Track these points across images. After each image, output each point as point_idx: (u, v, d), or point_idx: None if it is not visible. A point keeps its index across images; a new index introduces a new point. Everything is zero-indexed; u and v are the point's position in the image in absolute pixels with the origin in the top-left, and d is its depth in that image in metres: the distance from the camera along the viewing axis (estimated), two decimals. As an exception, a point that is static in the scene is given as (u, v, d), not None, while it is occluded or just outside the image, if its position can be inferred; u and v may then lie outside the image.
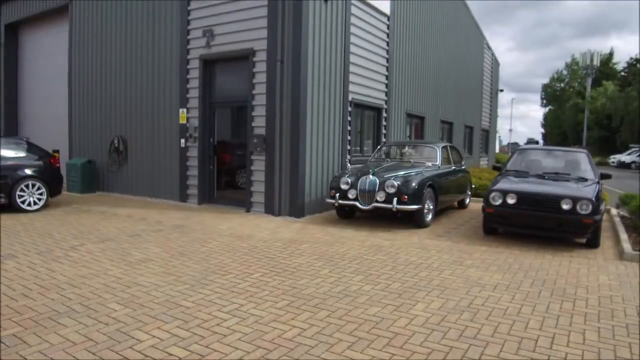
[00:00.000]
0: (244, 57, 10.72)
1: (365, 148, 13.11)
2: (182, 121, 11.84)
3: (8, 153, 10.10)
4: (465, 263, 6.60)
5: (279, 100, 10.09)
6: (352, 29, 11.69)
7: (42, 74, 17.36)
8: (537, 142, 74.37)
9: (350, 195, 9.18)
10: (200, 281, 5.50)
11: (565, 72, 72.45)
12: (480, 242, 7.97)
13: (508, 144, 71.37)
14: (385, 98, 13.74)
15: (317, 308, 4.72)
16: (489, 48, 27.49)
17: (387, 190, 8.79)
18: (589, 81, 47.80)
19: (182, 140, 11.86)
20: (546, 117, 79.81)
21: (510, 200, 7.79)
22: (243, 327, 4.19)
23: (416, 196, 8.76)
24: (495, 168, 10.49)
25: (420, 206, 8.82)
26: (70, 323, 4.17)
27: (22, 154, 10.26)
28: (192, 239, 7.65)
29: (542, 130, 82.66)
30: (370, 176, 9.05)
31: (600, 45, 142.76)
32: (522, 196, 7.74)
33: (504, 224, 8.18)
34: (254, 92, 10.55)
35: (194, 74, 11.63)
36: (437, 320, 4.45)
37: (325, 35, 10.52)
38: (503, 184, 8.24)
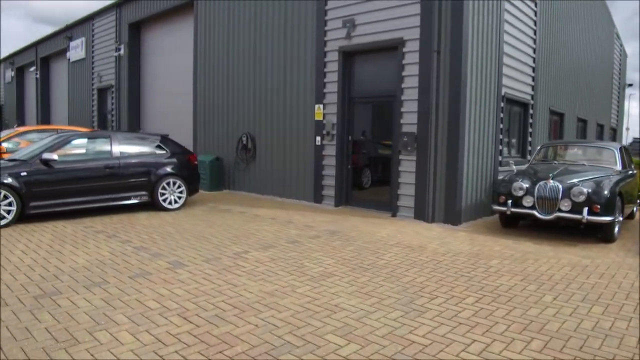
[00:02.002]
0: (391, 48, 9.82)
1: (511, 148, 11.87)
2: (318, 118, 11.12)
3: (149, 150, 9.76)
4: None
5: (435, 95, 9.10)
6: (506, 16, 10.48)
7: (162, 71, 17.36)
8: None
9: (525, 203, 8.04)
10: (408, 306, 4.64)
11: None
12: None
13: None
14: (532, 93, 12.40)
15: (588, 354, 3.70)
16: (618, 37, 25.10)
17: (575, 199, 7.57)
18: None
19: (318, 138, 11.13)
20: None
21: None
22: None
23: (609, 206, 7.50)
24: None
25: (613, 218, 7.55)
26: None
27: (162, 150, 9.89)
28: (359, 249, 6.84)
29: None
30: (551, 181, 7.85)
31: None
32: None
33: None
34: (403, 85, 9.62)
35: (332, 67, 10.86)
36: None
37: (481, 22, 9.42)
38: None
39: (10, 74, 31.31)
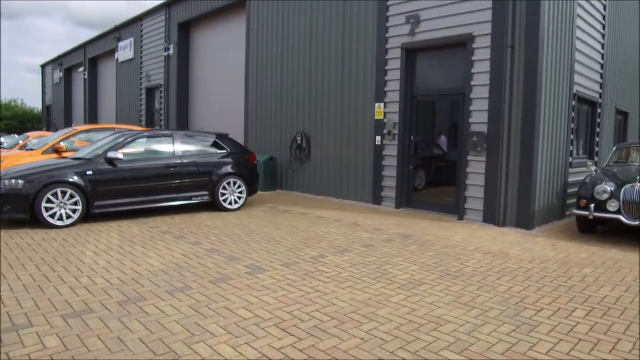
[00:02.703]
0: (459, 44, 9.41)
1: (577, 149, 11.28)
2: (378, 116, 10.77)
3: (210, 149, 9.58)
4: None
5: (508, 93, 8.65)
6: (578, 10, 9.93)
7: (211, 70, 17.28)
8: None
9: (610, 207, 7.53)
10: (516, 319, 4.29)
11: None
12: None
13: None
14: (600, 91, 11.78)
15: None
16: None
17: (669, 203, 7.03)
18: None
19: (378, 138, 10.79)
20: None
21: None
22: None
23: None
24: None
25: None
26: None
27: (222, 150, 9.70)
28: (439, 254, 6.48)
29: None
30: (638, 184, 7.32)
31: None
32: None
33: None
34: (472, 83, 9.19)
35: (394, 64, 10.50)
36: None
37: (555, 15, 8.91)
38: None
39: (58, 74, 31.90)
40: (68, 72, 31.41)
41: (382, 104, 10.70)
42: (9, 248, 6.38)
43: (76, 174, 7.93)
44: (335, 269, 5.63)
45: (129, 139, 8.71)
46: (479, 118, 9.11)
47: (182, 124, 18.42)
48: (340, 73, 11.58)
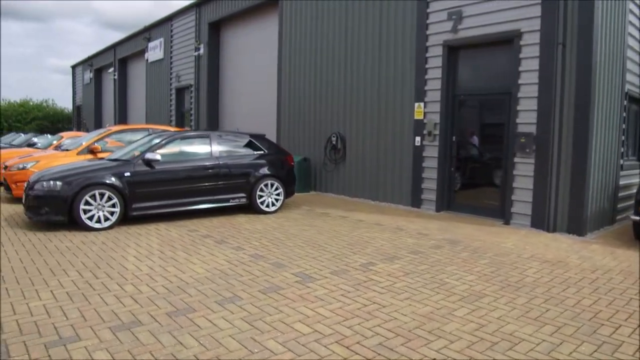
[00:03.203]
0: (505, 41, 9.02)
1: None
2: (418, 117, 10.42)
3: (247, 150, 9.38)
4: None
5: (559, 92, 8.24)
6: (630, 5, 9.45)
7: (242, 70, 17.12)
8: None
9: (673, 213, 7.07)
10: (595, 337, 3.96)
11: None
12: None
13: None
14: (650, 89, 11.21)
15: None
16: None
17: None
18: None
19: (417, 138, 10.44)
20: None
21: None
22: None
23: None
24: None
25: None
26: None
27: (260, 151, 9.47)
28: (494, 263, 6.15)
29: None
30: None
31: None
32: None
33: None
34: (519, 81, 8.80)
35: (435, 62, 10.15)
36: None
37: (608, 10, 8.45)
38: None
39: (88, 75, 32.17)
40: (98, 73, 31.65)
41: (422, 104, 10.36)
42: (49, 252, 6.22)
43: (114, 175, 7.78)
44: (388, 279, 5.34)
45: (166, 140, 8.53)
46: (527, 118, 8.72)
47: (212, 124, 18.30)
48: (377, 72, 11.27)
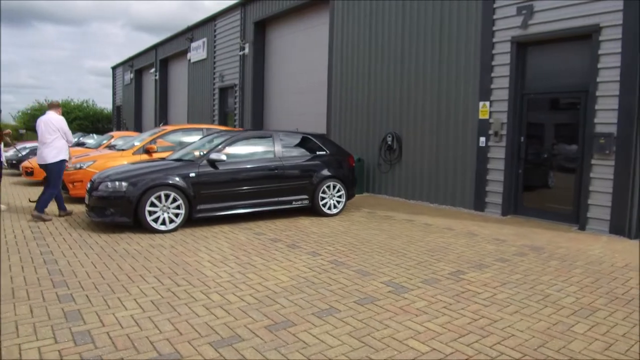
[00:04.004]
0: (582, 37, 8.54)
1: None
2: (483, 116, 9.98)
3: (309, 150, 9.11)
4: None
5: (644, 89, 7.72)
6: None
7: (288, 69, 16.89)
8: None
9: None
10: None
11: None
12: None
13: None
14: None
15: None
16: None
17: None
18: None
19: (482, 139, 10.00)
20: None
21: None
22: None
23: None
24: None
25: None
26: None
27: (322, 151, 9.18)
28: (589, 272, 5.75)
29: None
30: None
31: None
32: None
33: None
34: (598, 79, 8.29)
35: (502, 59, 9.70)
36: None
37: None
38: None
39: (129, 76, 32.45)
40: (139, 74, 31.88)
41: (487, 103, 9.93)
42: (120, 256, 6.04)
43: (179, 176, 7.58)
44: (485, 289, 4.97)
45: (230, 140, 8.31)
46: (606, 118, 8.23)
47: (257, 124, 18.13)
48: (438, 70, 10.87)
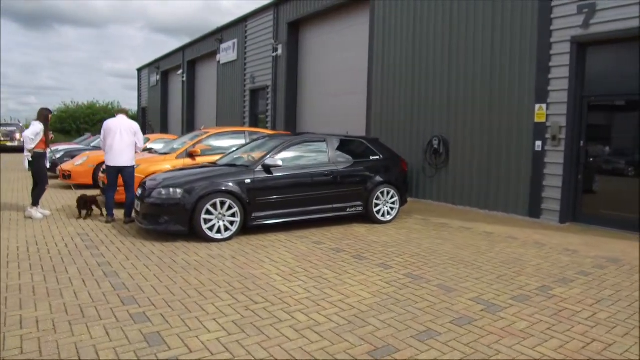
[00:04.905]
0: (649, 36, 8.09)
1: None
2: (540, 119, 9.59)
3: (362, 155, 8.83)
4: None
5: None
6: None
7: (324, 71, 16.60)
8: None
9: None
10: None
11: None
12: None
13: None
14: None
15: None
16: None
17: None
18: None
19: (538, 143, 9.62)
20: None
21: None
22: None
23: None
24: None
25: None
26: None
27: (375, 156, 8.88)
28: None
29: None
30: None
31: None
32: None
33: None
34: (667, 81, 7.86)
35: (560, 60, 9.30)
36: None
37: None
38: None
39: (155, 78, 32.44)
40: (165, 76, 31.85)
41: (544, 106, 9.54)
42: (182, 268, 5.79)
43: (234, 182, 7.31)
44: (582, 307, 4.64)
45: (284, 145, 8.05)
46: (677, 122, 7.79)
47: (290, 126, 17.86)
48: (489, 72, 10.50)
